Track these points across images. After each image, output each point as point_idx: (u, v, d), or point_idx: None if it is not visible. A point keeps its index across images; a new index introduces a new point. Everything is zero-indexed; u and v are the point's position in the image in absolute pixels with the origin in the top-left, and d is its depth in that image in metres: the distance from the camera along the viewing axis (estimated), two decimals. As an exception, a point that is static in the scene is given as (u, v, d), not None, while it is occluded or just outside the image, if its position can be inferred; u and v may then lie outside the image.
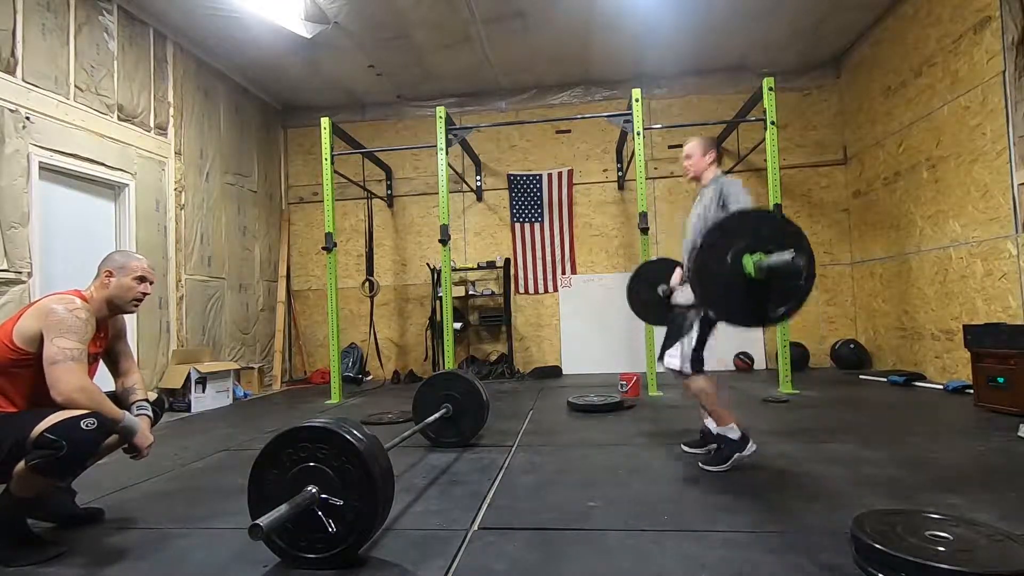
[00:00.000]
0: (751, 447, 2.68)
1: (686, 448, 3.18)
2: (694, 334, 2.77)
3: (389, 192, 7.46)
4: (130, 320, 2.38)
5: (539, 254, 7.19)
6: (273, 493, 1.72)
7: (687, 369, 2.77)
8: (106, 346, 2.26)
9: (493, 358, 7.15)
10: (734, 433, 2.68)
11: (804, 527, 1.95)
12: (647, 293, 3.33)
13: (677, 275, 3.16)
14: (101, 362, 2.27)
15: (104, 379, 2.19)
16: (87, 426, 1.82)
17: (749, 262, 2.07)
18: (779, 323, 2.13)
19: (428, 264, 7.19)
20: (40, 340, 1.91)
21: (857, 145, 6.44)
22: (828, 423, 3.60)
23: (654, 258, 3.84)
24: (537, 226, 7.19)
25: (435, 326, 6.99)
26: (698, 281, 2.17)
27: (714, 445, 3.05)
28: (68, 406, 1.87)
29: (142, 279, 2.20)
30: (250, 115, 6.86)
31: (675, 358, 2.83)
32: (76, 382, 1.89)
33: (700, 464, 2.74)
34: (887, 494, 2.24)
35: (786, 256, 1.98)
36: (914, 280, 5.42)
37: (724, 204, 2.81)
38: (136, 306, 2.22)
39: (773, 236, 2.09)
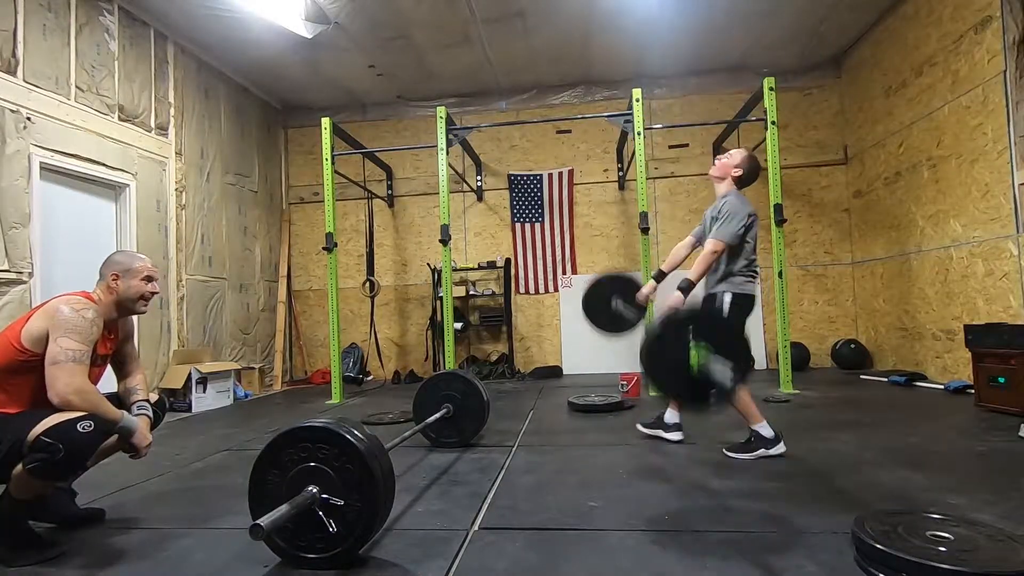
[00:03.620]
0: (780, 447, 2.76)
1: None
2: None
3: (389, 192, 7.46)
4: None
5: (540, 254, 7.18)
6: (273, 493, 1.72)
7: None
8: (116, 347, 2.26)
9: (493, 358, 7.15)
10: (767, 431, 2.78)
11: (804, 527, 1.94)
12: (605, 309, 3.25)
13: (650, 287, 3.15)
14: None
15: (108, 381, 2.19)
16: (83, 428, 1.81)
17: (696, 358, 2.10)
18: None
19: (428, 264, 7.18)
20: (47, 341, 1.90)
21: (858, 145, 6.43)
22: (829, 423, 3.59)
23: (604, 276, 3.55)
24: (538, 226, 7.19)
25: (435, 326, 6.99)
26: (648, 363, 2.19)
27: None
28: (64, 408, 1.86)
29: (149, 278, 2.20)
30: (250, 115, 6.87)
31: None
32: (73, 383, 1.87)
33: (724, 451, 2.82)
34: (888, 494, 2.24)
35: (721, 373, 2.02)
36: (915, 280, 5.42)
37: (716, 218, 2.87)
38: (145, 306, 2.21)
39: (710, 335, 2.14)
